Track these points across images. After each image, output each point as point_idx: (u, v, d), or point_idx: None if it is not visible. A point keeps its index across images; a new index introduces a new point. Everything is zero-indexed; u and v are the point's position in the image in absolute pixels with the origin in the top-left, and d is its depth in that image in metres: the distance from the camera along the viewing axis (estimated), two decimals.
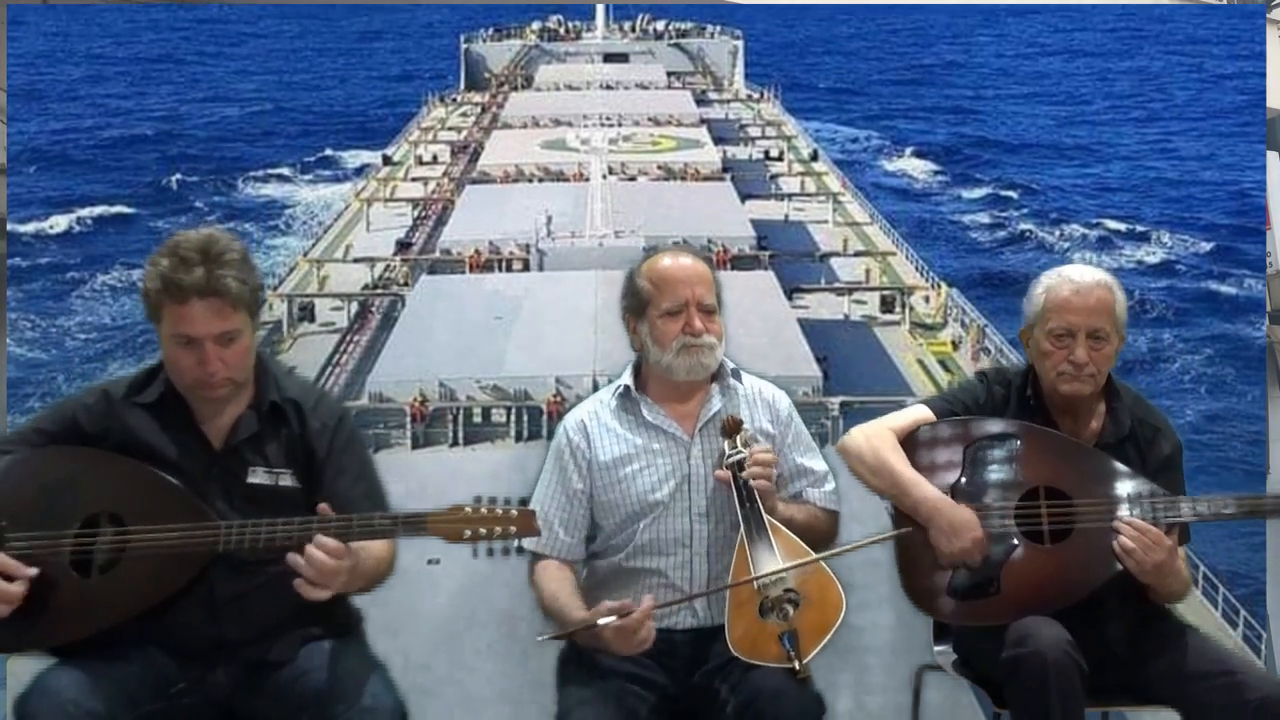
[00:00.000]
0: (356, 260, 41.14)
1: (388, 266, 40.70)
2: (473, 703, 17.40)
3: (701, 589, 5.30)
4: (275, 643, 4.95)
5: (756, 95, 77.40)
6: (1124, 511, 5.19)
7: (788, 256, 40.83)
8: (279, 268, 45.52)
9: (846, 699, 16.27)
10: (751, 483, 5.16)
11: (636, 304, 5.41)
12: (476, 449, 27.09)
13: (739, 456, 5.21)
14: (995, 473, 5.29)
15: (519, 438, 27.34)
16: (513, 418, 27.59)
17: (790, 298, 34.52)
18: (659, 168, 50.28)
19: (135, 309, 53.59)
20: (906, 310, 36.73)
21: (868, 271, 40.65)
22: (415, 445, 27.04)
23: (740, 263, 37.69)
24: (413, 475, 24.34)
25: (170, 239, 4.82)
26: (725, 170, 51.05)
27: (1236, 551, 28.82)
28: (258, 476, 4.94)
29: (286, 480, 4.95)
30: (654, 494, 5.33)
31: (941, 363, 33.57)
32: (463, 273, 37.32)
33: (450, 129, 66.09)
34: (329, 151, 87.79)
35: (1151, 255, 65.00)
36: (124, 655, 4.78)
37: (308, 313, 36.21)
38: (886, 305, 37.42)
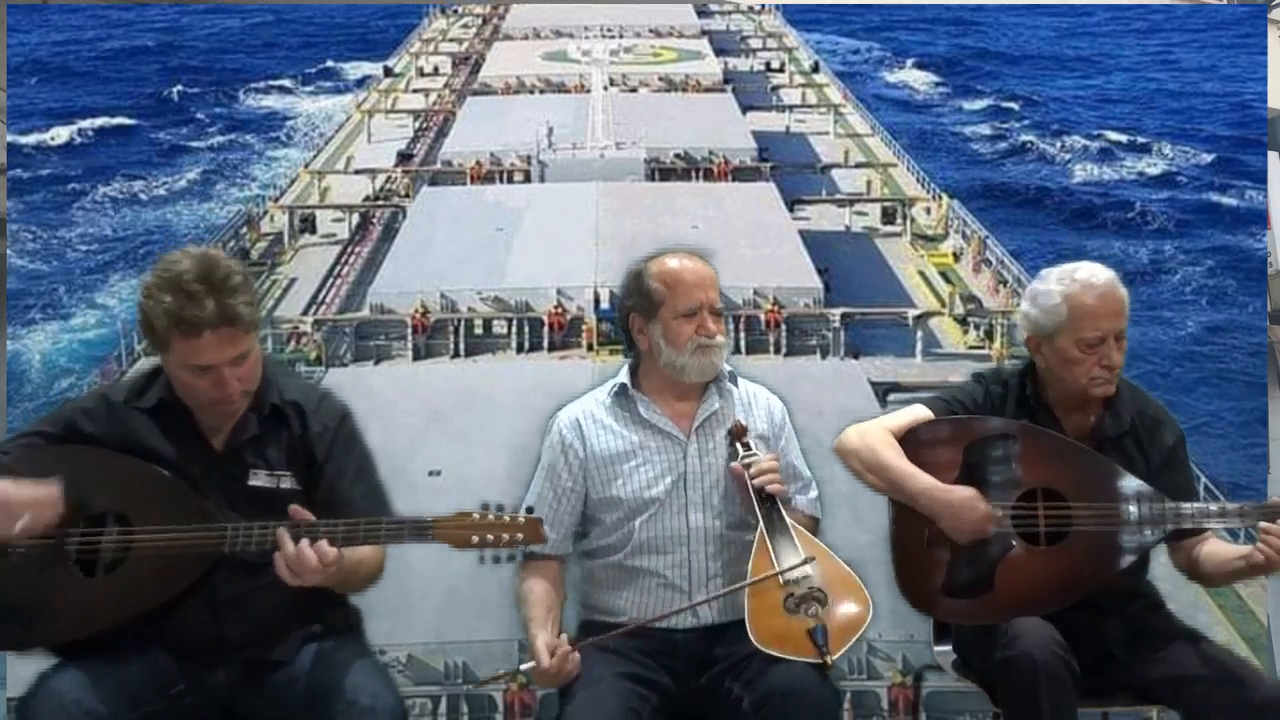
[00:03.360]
0: (358, 172, 41.11)
1: (389, 178, 40.76)
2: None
3: (699, 587, 5.35)
4: (276, 643, 4.99)
5: (758, 7, 76.89)
6: (1122, 515, 5.25)
7: (789, 168, 40.80)
8: (280, 179, 45.54)
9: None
10: (769, 488, 5.21)
11: (647, 305, 5.41)
12: (478, 360, 27.15)
13: (753, 458, 5.27)
14: (993, 473, 5.32)
15: (520, 349, 27.46)
16: (514, 329, 27.66)
17: (791, 209, 34.44)
18: (660, 79, 50.35)
19: (136, 220, 53.63)
20: (908, 222, 36.70)
21: (869, 183, 40.60)
22: (416, 357, 27.12)
23: (741, 174, 37.80)
24: (414, 387, 24.49)
25: (163, 265, 4.74)
26: (726, 82, 51.12)
27: (1238, 463, 28.97)
28: (259, 479, 4.96)
29: (288, 483, 4.97)
30: (650, 490, 5.38)
31: (943, 274, 33.58)
32: (464, 184, 37.37)
33: (451, 40, 65.96)
34: (330, 63, 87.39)
35: (1153, 167, 64.75)
36: (125, 655, 4.81)
37: (309, 224, 36.26)
38: (888, 217, 37.39)
